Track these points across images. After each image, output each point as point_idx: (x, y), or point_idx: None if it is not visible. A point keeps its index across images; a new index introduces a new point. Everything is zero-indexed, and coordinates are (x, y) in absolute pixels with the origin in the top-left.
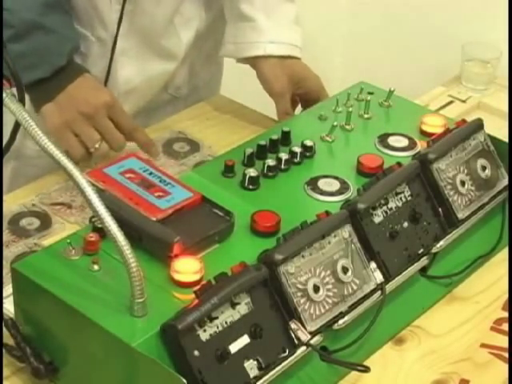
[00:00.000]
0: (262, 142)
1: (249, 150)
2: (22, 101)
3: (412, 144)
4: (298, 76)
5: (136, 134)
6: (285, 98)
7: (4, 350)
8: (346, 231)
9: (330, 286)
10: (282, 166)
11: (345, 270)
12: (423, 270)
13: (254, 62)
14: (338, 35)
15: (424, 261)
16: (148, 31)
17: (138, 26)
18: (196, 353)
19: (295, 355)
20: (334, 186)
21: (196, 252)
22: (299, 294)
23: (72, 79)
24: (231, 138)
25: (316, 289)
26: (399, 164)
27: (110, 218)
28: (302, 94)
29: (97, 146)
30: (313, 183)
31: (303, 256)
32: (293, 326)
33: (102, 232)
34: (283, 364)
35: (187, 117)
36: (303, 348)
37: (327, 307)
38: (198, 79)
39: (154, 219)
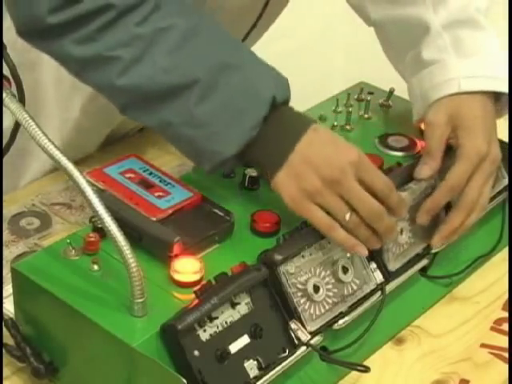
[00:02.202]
0: None
1: None
2: (22, 101)
3: (412, 144)
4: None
5: (391, 197)
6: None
7: (4, 350)
8: None
9: (330, 286)
10: None
11: (345, 270)
12: (423, 270)
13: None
14: (338, 35)
15: (424, 261)
16: None
17: None
18: (196, 353)
19: (295, 355)
20: None
21: (196, 252)
22: (299, 293)
23: (299, 132)
24: None
25: (316, 289)
26: (399, 164)
27: (110, 218)
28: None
29: (347, 217)
30: None
31: (303, 256)
32: (293, 325)
33: (101, 232)
34: (283, 364)
35: None
36: (303, 348)
37: (327, 307)
38: None
39: (154, 219)
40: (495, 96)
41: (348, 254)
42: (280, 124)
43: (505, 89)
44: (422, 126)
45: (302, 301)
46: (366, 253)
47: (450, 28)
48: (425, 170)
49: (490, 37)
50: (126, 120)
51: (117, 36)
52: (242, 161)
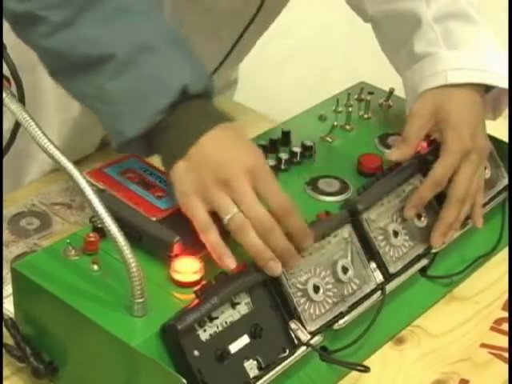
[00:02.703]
0: (262, 142)
1: None
2: (22, 101)
3: None
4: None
5: (287, 218)
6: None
7: (4, 350)
8: (346, 231)
9: (329, 286)
10: (282, 166)
11: (345, 270)
12: (423, 270)
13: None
14: (338, 35)
15: (424, 261)
16: None
17: None
18: (196, 353)
19: (295, 355)
20: (334, 186)
21: (196, 252)
22: (299, 293)
23: (206, 126)
24: None
25: (316, 289)
26: (399, 164)
27: (110, 218)
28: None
29: (230, 215)
30: (313, 183)
31: (303, 256)
32: (293, 326)
33: (101, 232)
34: (283, 364)
35: None
36: (303, 348)
37: (327, 307)
38: None
39: (154, 219)
40: (486, 88)
41: (348, 255)
42: (188, 115)
43: (494, 81)
44: None
45: (302, 301)
46: (232, 266)
47: (441, 21)
48: (396, 153)
49: (482, 30)
50: None
51: None
52: (151, 146)
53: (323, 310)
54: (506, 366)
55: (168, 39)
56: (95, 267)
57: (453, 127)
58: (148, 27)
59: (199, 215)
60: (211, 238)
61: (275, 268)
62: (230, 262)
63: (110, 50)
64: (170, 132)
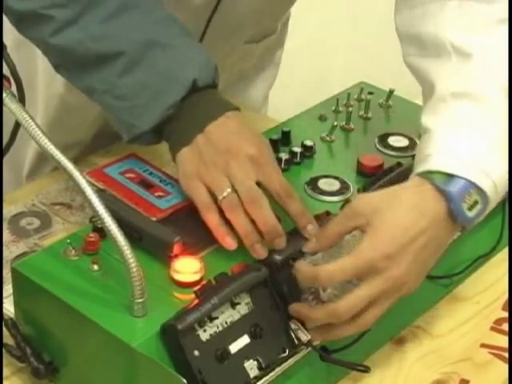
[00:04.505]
0: None
1: None
2: (22, 101)
3: (412, 144)
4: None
5: (288, 200)
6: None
7: (4, 350)
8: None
9: (333, 286)
10: (282, 166)
11: None
12: None
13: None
14: (338, 35)
15: None
16: None
17: None
18: (196, 353)
19: (295, 355)
20: (334, 185)
21: (196, 252)
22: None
23: (213, 115)
24: None
25: (316, 288)
26: (399, 164)
27: (110, 218)
28: None
29: (224, 194)
30: (313, 183)
31: (304, 258)
32: (293, 326)
33: (102, 232)
34: (283, 364)
35: None
36: (303, 348)
37: None
38: None
39: (154, 219)
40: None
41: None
42: (197, 106)
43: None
44: None
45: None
46: (233, 246)
47: (455, 96)
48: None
49: (492, 118)
50: None
51: None
52: (161, 136)
53: None
54: (506, 366)
55: (173, 33)
56: (95, 267)
57: (371, 231)
58: (153, 22)
59: (200, 196)
60: (212, 218)
61: (260, 251)
62: (231, 242)
63: (119, 48)
64: (178, 122)
